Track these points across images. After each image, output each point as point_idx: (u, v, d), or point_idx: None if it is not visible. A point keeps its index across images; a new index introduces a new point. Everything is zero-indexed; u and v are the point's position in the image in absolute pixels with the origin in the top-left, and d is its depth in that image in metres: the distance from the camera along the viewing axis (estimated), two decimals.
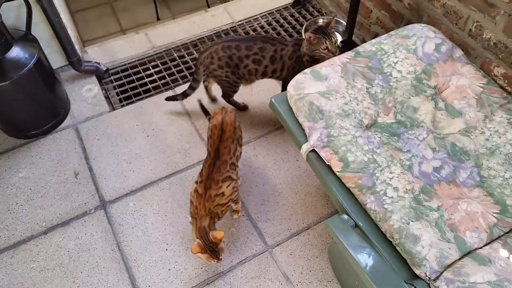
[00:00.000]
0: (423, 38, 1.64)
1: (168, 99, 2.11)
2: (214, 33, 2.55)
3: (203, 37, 2.53)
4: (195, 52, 2.46)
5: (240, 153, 1.72)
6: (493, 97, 1.55)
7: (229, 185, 1.56)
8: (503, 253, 1.23)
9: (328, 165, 1.44)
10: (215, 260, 1.50)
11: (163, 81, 2.33)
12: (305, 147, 1.51)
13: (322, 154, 1.45)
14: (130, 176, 1.94)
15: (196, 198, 1.54)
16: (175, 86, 2.29)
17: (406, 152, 1.43)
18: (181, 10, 3.51)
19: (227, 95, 2.06)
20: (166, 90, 2.28)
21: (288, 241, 1.75)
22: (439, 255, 1.22)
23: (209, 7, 3.14)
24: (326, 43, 1.78)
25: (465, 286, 1.16)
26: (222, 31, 2.56)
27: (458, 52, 1.65)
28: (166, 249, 1.72)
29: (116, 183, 1.91)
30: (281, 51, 1.84)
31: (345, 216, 1.39)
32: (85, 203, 1.85)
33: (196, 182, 1.58)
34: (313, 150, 1.49)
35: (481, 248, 1.27)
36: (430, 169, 1.40)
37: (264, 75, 1.91)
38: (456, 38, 1.80)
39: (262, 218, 1.81)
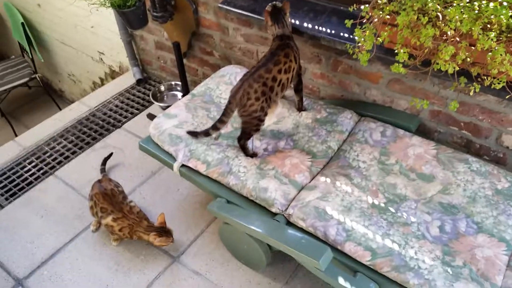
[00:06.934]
0: (233, 74, 2.31)
1: (188, 133, 2.00)
2: (76, 122, 2.95)
3: (67, 127, 2.91)
4: (64, 141, 2.81)
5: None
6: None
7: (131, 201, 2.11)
8: (322, 180, 1.85)
9: (196, 170, 1.95)
10: (171, 239, 2.01)
11: (41, 171, 2.62)
12: (176, 165, 2.00)
13: (190, 164, 1.96)
14: (37, 252, 2.15)
15: (120, 221, 2.02)
16: (54, 171, 2.60)
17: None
18: (36, 122, 3.68)
19: (248, 135, 1.91)
20: (46, 176, 2.57)
21: (189, 247, 2.14)
22: (283, 193, 1.77)
23: (60, 109, 3.49)
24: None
25: (304, 204, 1.73)
26: (83, 118, 2.98)
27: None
28: None
29: (26, 262, 2.11)
30: (295, 46, 1.91)
31: (218, 199, 1.89)
32: None
33: (102, 217, 2.03)
34: (183, 165, 1.98)
35: (309, 182, 1.87)
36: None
37: (292, 80, 1.96)
38: None
39: None
